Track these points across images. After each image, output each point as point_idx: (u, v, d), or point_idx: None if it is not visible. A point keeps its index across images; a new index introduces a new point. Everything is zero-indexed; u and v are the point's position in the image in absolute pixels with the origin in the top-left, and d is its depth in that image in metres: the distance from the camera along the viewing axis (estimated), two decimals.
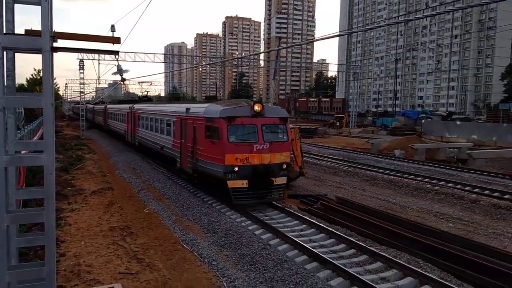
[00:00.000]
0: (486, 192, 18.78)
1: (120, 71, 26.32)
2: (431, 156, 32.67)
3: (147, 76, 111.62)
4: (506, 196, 17.76)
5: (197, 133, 15.44)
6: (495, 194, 18.31)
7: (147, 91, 46.73)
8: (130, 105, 32.14)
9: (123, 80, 24.89)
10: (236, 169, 13.24)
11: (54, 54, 4.32)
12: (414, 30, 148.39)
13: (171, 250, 10.90)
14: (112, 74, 50.01)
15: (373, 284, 8.24)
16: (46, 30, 3.84)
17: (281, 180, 14.08)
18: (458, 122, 58.62)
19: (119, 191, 18.23)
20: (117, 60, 29.39)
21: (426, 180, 21.86)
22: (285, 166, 14.16)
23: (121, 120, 36.46)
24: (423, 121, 63.62)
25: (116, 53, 5.27)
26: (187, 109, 17.09)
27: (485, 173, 24.22)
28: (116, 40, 4.62)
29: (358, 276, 8.63)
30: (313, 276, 8.71)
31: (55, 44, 4.25)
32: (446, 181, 21.29)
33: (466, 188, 19.56)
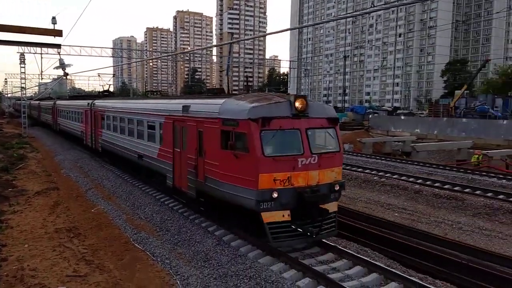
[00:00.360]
0: (428, 182, 19.86)
1: (62, 65, 24.93)
2: (378, 150, 34.10)
3: (94, 70, 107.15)
4: (446, 186, 18.90)
5: (206, 140, 11.17)
6: (436, 184, 19.42)
7: (109, 85, 37.18)
8: (90, 101, 26.45)
9: (66, 74, 23.41)
10: (275, 195, 9.21)
11: None
12: (361, 29, 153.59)
13: (122, 250, 10.62)
14: (54, 68, 47.24)
15: (324, 273, 8.49)
16: None
17: (333, 207, 10.24)
18: (402, 117, 61.57)
19: (65, 191, 17.46)
20: (59, 54, 27.82)
21: (373, 172, 22.79)
22: (337, 187, 10.30)
23: (77, 120, 30.00)
24: (370, 116, 66.02)
25: (58, 46, 5.04)
26: (186, 107, 12.53)
27: (427, 165, 25.60)
28: (58, 33, 4.42)
29: (311, 266, 8.85)
30: (266, 270, 8.82)
31: None
32: (392, 173, 22.30)
33: (410, 179, 20.59)
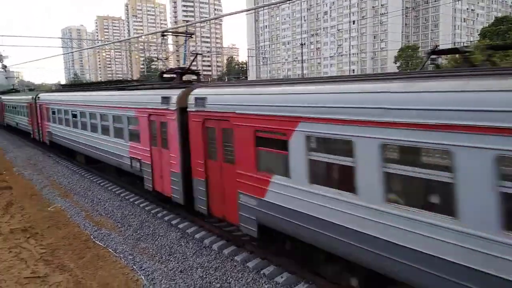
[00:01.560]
0: None
1: None
2: None
3: (39, 61, 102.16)
4: None
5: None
6: None
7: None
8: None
9: (4, 67, 22.03)
10: None
11: None
12: (317, 16, 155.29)
13: (83, 248, 10.37)
14: None
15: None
16: None
17: None
18: None
19: (18, 190, 16.72)
20: None
21: None
22: None
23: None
24: None
25: None
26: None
27: None
28: None
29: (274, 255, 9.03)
30: (231, 260, 8.93)
31: None
32: None
33: None
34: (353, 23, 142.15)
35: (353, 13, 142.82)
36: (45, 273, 8.98)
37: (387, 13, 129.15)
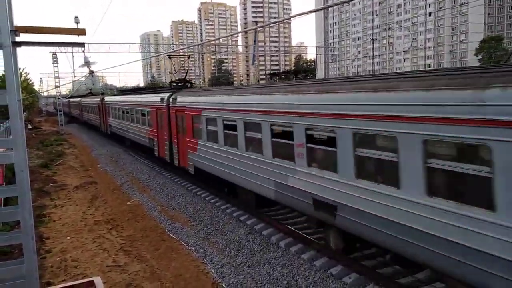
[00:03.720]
0: None
1: (87, 63, 25.67)
2: None
3: (121, 66, 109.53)
4: None
5: None
6: None
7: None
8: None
9: (92, 72, 24.15)
10: None
11: (22, 48, 4.27)
12: (389, 9, 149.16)
13: (158, 240, 10.99)
14: (79, 66, 48.73)
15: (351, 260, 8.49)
16: (5, 24, 3.78)
17: None
18: None
19: (102, 185, 18.12)
20: (84, 52, 28.80)
21: None
22: None
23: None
24: None
25: (81, 45, 5.21)
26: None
27: None
28: (81, 32, 4.57)
29: (344, 254, 8.86)
30: (298, 258, 8.93)
31: (17, 39, 4.18)
32: None
33: None
34: (429, 15, 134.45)
35: (429, 4, 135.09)
36: (125, 262, 9.66)
37: (467, 2, 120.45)
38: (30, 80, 59.71)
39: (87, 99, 47.06)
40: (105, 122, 33.36)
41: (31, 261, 5.65)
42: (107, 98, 33.90)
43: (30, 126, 49.06)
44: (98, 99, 36.70)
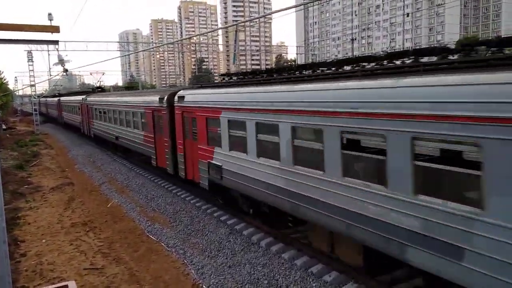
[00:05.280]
0: None
1: (61, 61, 25.00)
2: None
3: (98, 64, 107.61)
4: None
5: None
6: None
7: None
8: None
9: (66, 70, 23.43)
10: None
11: None
12: (368, 10, 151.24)
13: (137, 242, 10.82)
14: (53, 65, 47.60)
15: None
16: None
17: None
18: None
19: (79, 186, 17.77)
20: (57, 50, 28.04)
21: None
22: None
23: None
24: None
25: (55, 42, 5.07)
26: None
27: None
28: (55, 29, 4.44)
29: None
30: (279, 257, 8.93)
31: None
32: None
33: None
34: (407, 16, 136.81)
35: (407, 5, 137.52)
36: (103, 265, 9.47)
37: (444, 3, 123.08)
38: (4, 79, 58.07)
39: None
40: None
41: (3, 265, 5.48)
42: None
43: (4, 126, 47.77)
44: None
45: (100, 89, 37.96)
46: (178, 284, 8.35)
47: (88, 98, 30.48)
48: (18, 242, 11.05)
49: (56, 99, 50.95)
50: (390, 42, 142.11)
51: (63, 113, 44.36)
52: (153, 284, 8.42)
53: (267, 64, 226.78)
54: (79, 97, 34.28)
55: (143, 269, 9.16)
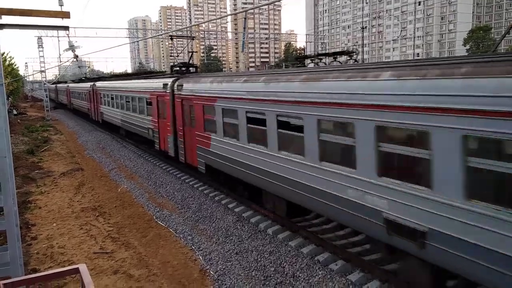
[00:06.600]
0: None
1: (72, 47, 24.98)
2: None
3: (108, 51, 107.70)
4: None
5: None
6: None
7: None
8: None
9: (76, 56, 23.39)
10: None
11: (6, 32, 4.16)
12: None
13: (146, 227, 10.96)
14: (64, 51, 47.65)
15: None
16: None
17: None
18: None
19: (89, 172, 17.97)
20: (68, 36, 28.07)
21: None
22: None
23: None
24: None
25: (66, 28, 5.08)
26: None
27: None
28: (65, 15, 4.45)
29: (330, 241, 8.97)
30: (286, 245, 9.01)
31: None
32: None
33: None
34: (419, 4, 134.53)
35: None
36: (112, 249, 9.63)
37: None
38: (15, 65, 58.45)
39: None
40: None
41: (15, 248, 5.60)
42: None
43: (15, 112, 48.23)
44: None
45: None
46: (186, 269, 8.47)
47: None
48: (29, 226, 11.24)
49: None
50: (401, 31, 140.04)
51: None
52: (161, 269, 8.55)
53: (276, 52, 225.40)
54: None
55: (151, 254, 9.30)
